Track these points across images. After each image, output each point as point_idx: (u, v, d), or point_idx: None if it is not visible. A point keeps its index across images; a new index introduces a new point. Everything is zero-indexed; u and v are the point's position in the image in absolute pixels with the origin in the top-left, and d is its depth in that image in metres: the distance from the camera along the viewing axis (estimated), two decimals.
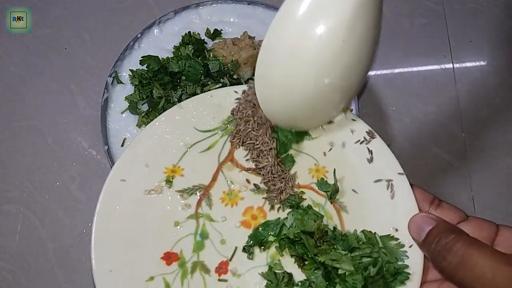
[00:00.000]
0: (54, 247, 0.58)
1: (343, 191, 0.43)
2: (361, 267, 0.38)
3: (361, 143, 0.44)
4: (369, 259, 0.38)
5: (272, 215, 0.43)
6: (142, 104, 0.58)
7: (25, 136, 0.63)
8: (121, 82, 0.60)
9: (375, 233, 0.40)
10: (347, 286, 0.37)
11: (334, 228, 0.41)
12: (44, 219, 0.59)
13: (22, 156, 0.62)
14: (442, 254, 0.36)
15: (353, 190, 0.43)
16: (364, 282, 0.37)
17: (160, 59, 0.59)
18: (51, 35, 0.68)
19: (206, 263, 0.41)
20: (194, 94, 0.56)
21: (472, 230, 0.38)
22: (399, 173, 0.43)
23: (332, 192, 0.43)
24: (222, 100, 0.46)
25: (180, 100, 0.56)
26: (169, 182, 0.43)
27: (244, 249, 0.41)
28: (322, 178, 0.43)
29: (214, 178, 0.44)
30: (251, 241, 0.41)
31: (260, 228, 0.42)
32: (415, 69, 0.69)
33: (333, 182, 0.43)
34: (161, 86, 0.57)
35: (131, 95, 0.59)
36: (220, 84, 0.57)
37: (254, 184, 0.44)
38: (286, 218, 0.41)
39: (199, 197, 0.43)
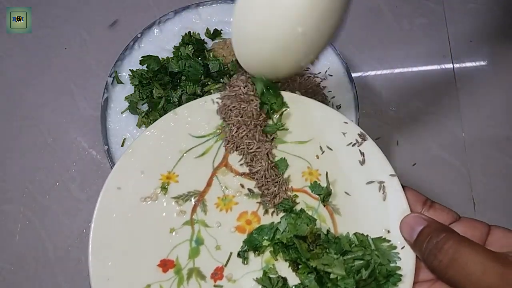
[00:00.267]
0: (54, 247, 0.59)
1: (336, 194, 0.44)
2: (353, 271, 0.38)
3: (353, 145, 0.45)
4: (361, 261, 0.39)
5: (266, 220, 0.43)
6: (142, 104, 0.58)
7: (25, 136, 0.63)
8: (121, 82, 0.60)
9: (367, 235, 0.41)
10: None
11: (328, 231, 0.42)
12: (44, 219, 0.60)
13: (22, 156, 0.62)
14: (433, 253, 0.36)
15: (345, 192, 0.44)
16: (356, 286, 0.37)
17: (160, 59, 0.59)
18: (51, 35, 0.69)
19: (202, 269, 0.41)
20: (194, 94, 0.56)
21: (464, 230, 0.39)
22: (391, 175, 0.43)
23: (325, 195, 0.43)
24: (216, 106, 0.47)
25: (180, 100, 0.56)
26: (164, 188, 0.43)
27: (239, 254, 0.42)
28: (315, 181, 0.44)
29: (208, 184, 0.44)
30: (246, 246, 0.41)
31: (255, 233, 0.42)
32: (415, 69, 0.69)
33: (325, 185, 0.43)
34: (161, 86, 0.57)
35: (131, 95, 0.59)
36: (220, 84, 0.57)
37: (248, 189, 0.44)
38: (280, 222, 0.42)
39: (194, 203, 0.43)
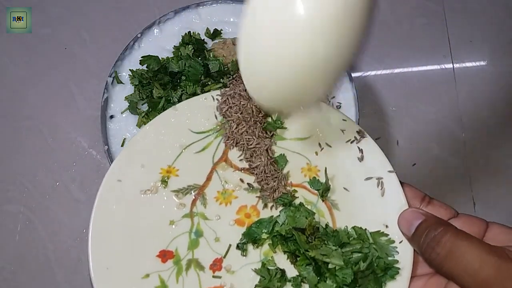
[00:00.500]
0: (54, 247, 0.59)
1: (335, 189, 0.44)
2: (351, 262, 0.39)
3: (351, 142, 0.46)
4: (359, 254, 0.39)
5: (265, 213, 0.44)
6: (142, 104, 0.59)
7: (25, 136, 0.63)
8: (121, 82, 0.60)
9: (365, 229, 0.42)
10: (337, 281, 0.38)
11: (326, 225, 0.43)
12: (44, 219, 0.60)
13: (22, 156, 0.63)
14: (431, 246, 0.37)
15: (344, 188, 0.44)
16: (354, 277, 0.38)
17: (160, 59, 0.59)
18: (51, 35, 0.69)
19: (201, 260, 0.42)
20: (194, 94, 0.56)
21: (462, 226, 0.39)
22: (389, 171, 0.44)
23: (323, 190, 0.44)
24: (216, 102, 0.47)
25: (180, 100, 0.56)
26: (164, 182, 0.44)
27: (238, 247, 0.42)
28: (314, 177, 0.44)
29: (208, 178, 0.45)
30: (245, 239, 0.42)
31: (254, 226, 0.43)
32: (415, 69, 0.69)
33: (324, 181, 0.44)
34: (161, 86, 0.57)
35: (131, 95, 0.59)
36: (221, 84, 0.57)
37: (248, 184, 0.45)
38: (279, 215, 0.42)
39: (194, 197, 0.44)
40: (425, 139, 0.65)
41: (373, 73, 0.69)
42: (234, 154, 0.46)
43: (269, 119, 0.46)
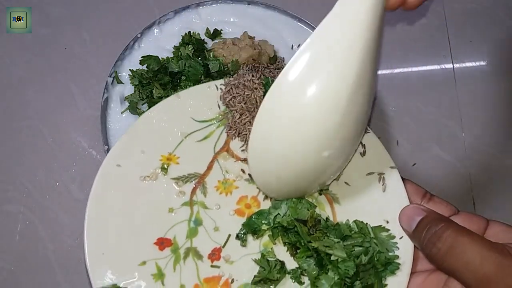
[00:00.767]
0: (54, 247, 0.59)
1: (336, 183, 0.45)
2: (353, 255, 0.39)
3: None
4: (360, 248, 0.40)
5: (266, 205, 0.44)
6: (142, 104, 0.59)
7: (25, 136, 0.63)
8: (121, 82, 0.60)
9: (366, 223, 0.42)
10: (339, 273, 0.39)
11: (327, 218, 0.43)
12: (44, 219, 0.60)
13: (22, 156, 0.63)
14: (432, 241, 0.37)
15: (345, 182, 0.45)
16: (355, 270, 0.38)
17: (160, 59, 0.59)
18: (51, 35, 0.69)
19: (199, 249, 0.42)
20: None
21: (463, 223, 0.40)
22: (391, 167, 0.45)
23: None
24: (220, 91, 0.47)
25: None
26: (164, 169, 0.44)
27: (237, 237, 0.42)
28: None
29: (209, 167, 0.45)
30: (245, 229, 0.42)
31: (254, 217, 0.43)
32: (415, 69, 0.69)
33: None
34: (161, 86, 0.57)
35: (131, 95, 0.59)
36: None
37: (249, 174, 0.45)
38: (280, 207, 0.42)
39: (194, 185, 0.44)
40: (425, 139, 0.65)
41: None
42: (236, 144, 0.46)
43: None
